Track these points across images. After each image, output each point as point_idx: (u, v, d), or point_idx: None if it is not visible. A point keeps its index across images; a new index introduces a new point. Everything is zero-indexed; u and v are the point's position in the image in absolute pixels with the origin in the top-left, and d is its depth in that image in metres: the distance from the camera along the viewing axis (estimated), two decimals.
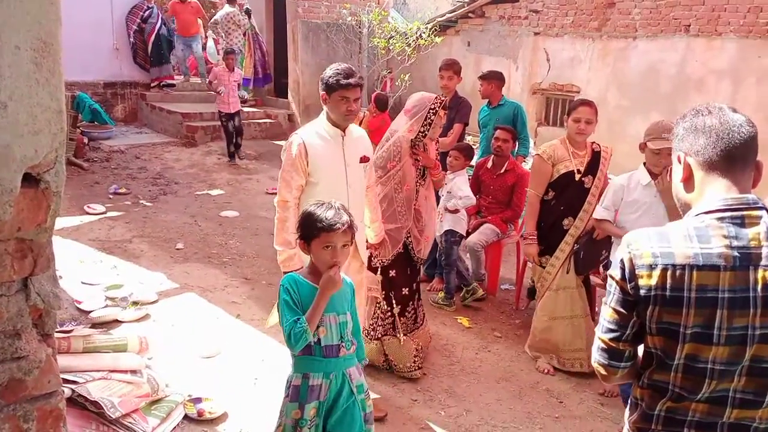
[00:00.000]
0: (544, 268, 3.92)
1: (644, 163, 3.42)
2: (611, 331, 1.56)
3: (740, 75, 7.36)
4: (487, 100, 5.66)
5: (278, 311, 2.31)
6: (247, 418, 3.33)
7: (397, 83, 10.18)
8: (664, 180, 3.25)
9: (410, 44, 9.97)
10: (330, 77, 2.92)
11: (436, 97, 3.67)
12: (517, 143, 5.25)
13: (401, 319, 3.78)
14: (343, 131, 3.05)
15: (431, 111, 3.60)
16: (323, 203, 2.33)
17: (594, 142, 3.90)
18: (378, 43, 10.07)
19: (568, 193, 3.81)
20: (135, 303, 4.55)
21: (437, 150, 4.00)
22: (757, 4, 7.09)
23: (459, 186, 4.71)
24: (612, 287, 1.56)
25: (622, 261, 1.52)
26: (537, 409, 3.51)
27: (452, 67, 5.22)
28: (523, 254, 4.50)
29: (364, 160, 3.18)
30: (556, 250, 3.86)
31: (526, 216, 3.97)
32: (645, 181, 3.36)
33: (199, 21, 11.25)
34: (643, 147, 3.34)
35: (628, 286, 1.50)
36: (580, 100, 3.87)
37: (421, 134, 3.64)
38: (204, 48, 12.10)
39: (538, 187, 3.88)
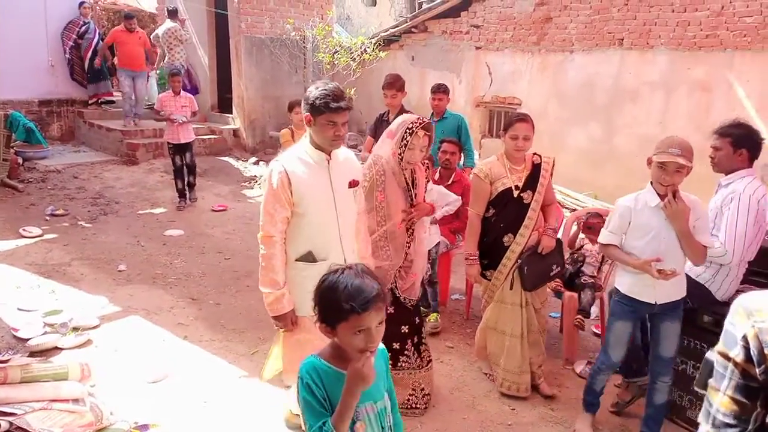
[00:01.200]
0: (489, 281, 3.81)
1: (651, 182, 3.08)
2: (728, 426, 1.27)
3: (671, 86, 7.71)
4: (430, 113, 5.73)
5: (299, 405, 1.82)
6: None
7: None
8: (672, 202, 2.94)
9: (355, 59, 10.02)
10: (317, 99, 2.65)
11: (417, 118, 3.44)
12: (462, 155, 5.32)
13: (401, 357, 3.54)
14: (329, 155, 2.80)
15: (407, 131, 3.34)
16: (340, 270, 1.80)
17: (535, 154, 3.74)
18: (323, 58, 10.08)
19: (508, 210, 3.66)
20: (75, 329, 4.38)
21: (428, 178, 3.71)
22: (684, 18, 7.46)
23: (440, 192, 4.68)
24: (728, 370, 1.26)
25: (744, 338, 1.22)
26: (490, 418, 3.54)
27: (394, 86, 5.26)
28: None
29: (353, 184, 2.90)
30: (499, 265, 3.73)
31: (467, 235, 3.83)
32: (653, 202, 3.01)
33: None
34: (649, 162, 3.08)
35: (757, 370, 1.21)
36: (516, 115, 3.68)
37: (398, 157, 3.37)
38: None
39: (478, 206, 3.73)
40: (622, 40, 8.05)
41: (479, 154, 9.78)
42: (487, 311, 3.87)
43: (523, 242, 3.65)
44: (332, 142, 2.73)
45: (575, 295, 4.28)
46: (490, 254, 3.76)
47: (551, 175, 3.75)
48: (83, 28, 10.68)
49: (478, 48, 9.69)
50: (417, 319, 3.64)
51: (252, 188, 9.21)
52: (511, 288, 3.70)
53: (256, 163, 10.29)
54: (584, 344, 4.53)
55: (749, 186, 3.19)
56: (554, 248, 3.72)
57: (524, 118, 3.61)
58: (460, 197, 4.75)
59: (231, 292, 5.34)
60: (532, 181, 3.67)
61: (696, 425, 3.24)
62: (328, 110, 2.64)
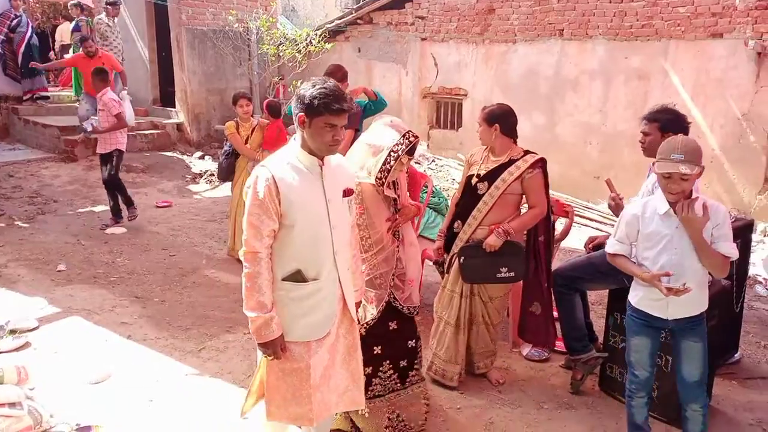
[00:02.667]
0: (440, 265, 3.82)
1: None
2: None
3: (610, 75, 7.93)
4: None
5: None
6: None
7: (290, 90, 10.09)
8: (685, 208, 2.64)
9: (301, 51, 9.93)
10: (315, 98, 2.33)
11: (403, 135, 2.96)
12: None
13: (374, 380, 3.19)
14: (321, 160, 2.48)
15: (392, 155, 2.92)
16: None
17: (528, 151, 3.55)
18: (267, 49, 9.94)
19: (465, 198, 3.65)
20: (13, 331, 4.21)
21: (409, 182, 3.49)
22: (621, 8, 7.68)
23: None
24: None
25: None
26: (440, 402, 3.58)
27: (335, 75, 5.15)
28: (425, 252, 4.52)
29: (348, 193, 2.59)
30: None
31: (447, 214, 3.88)
32: (662, 209, 2.72)
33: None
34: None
35: None
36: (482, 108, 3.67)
37: (378, 180, 2.97)
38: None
39: (459, 189, 3.76)
40: (562, 30, 8.23)
41: (428, 145, 9.87)
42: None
43: (468, 232, 3.56)
44: (330, 147, 2.42)
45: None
46: (447, 237, 3.77)
47: (544, 177, 3.52)
48: (15, 21, 10.19)
49: (423, 39, 9.73)
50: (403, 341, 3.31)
51: (197, 183, 9.02)
52: (447, 272, 3.67)
53: (202, 157, 10.08)
54: None
55: None
56: (508, 251, 3.48)
57: (482, 110, 3.66)
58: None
59: (177, 289, 5.22)
60: (494, 174, 3.50)
61: None
62: (328, 112, 2.34)
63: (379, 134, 3.02)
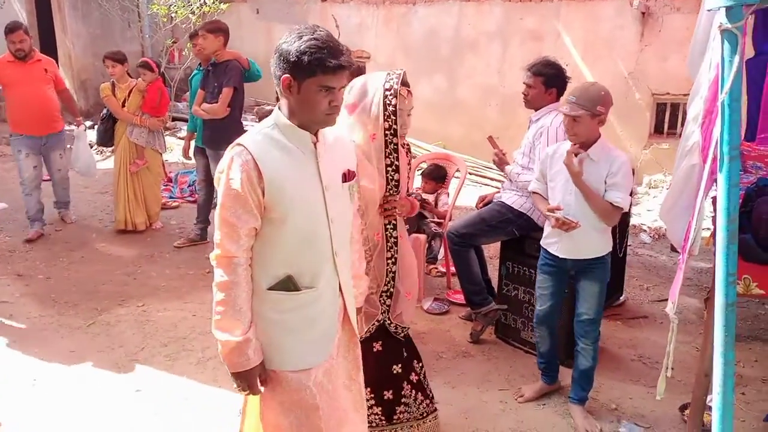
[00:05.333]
0: None
1: None
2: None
3: (507, 36, 8.07)
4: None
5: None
6: (26, 423, 2.97)
7: (185, 53, 9.61)
8: (568, 156, 2.75)
9: (194, 12, 9.44)
10: (304, 54, 1.76)
11: (387, 73, 2.50)
12: None
13: (398, 408, 2.70)
14: (315, 135, 1.92)
15: (389, 94, 2.43)
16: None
17: None
18: (158, 10, 9.38)
19: None
20: None
21: (410, 165, 2.81)
22: None
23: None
24: None
25: None
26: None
27: (205, 26, 4.85)
28: None
29: (349, 176, 2.05)
30: None
31: None
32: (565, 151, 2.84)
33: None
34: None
35: None
36: None
37: (389, 134, 2.45)
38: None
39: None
40: None
41: None
42: None
43: None
44: (327, 117, 1.86)
45: (420, 236, 4.42)
46: None
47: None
48: None
49: (323, 0, 9.51)
50: (409, 351, 2.78)
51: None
52: None
53: (92, 127, 9.46)
54: (431, 283, 4.71)
55: (555, 119, 3.40)
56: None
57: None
58: None
59: (63, 265, 4.90)
60: None
61: (530, 345, 3.50)
62: (323, 70, 1.77)
63: (358, 87, 2.52)
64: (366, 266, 2.42)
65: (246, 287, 1.87)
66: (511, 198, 3.61)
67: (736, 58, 1.66)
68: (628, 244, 4.56)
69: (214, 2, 9.42)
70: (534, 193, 3.06)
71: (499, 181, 7.54)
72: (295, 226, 1.88)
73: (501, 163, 3.64)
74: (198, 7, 9.41)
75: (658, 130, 7.41)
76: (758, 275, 2.65)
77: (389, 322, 2.65)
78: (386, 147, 2.46)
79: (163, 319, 4.06)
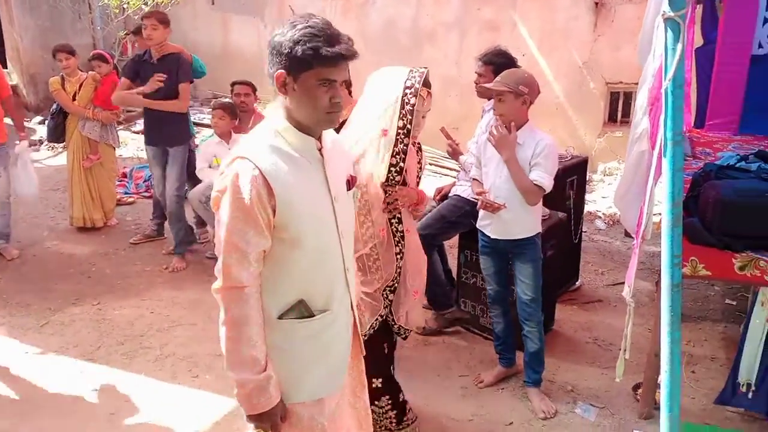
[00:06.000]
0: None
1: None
2: None
3: (464, 26, 8.12)
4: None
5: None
6: None
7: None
8: (496, 130, 2.88)
9: (147, 3, 9.21)
10: (297, 43, 1.58)
11: (410, 70, 2.41)
12: (256, 96, 4.99)
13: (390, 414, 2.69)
14: (319, 139, 1.75)
15: (408, 91, 2.35)
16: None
17: None
18: (110, 1, 9.13)
19: None
20: None
21: (420, 164, 2.69)
22: None
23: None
24: None
25: None
26: None
27: (154, 16, 4.58)
28: None
29: (352, 183, 1.90)
30: None
31: None
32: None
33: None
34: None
35: None
36: None
37: (401, 133, 2.35)
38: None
39: None
40: None
41: None
42: None
43: None
44: (328, 115, 1.66)
45: None
46: None
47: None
48: None
49: None
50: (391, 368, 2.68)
51: (38, 151, 8.23)
52: None
53: (42, 122, 9.17)
54: None
55: None
56: None
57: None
58: None
59: (14, 265, 4.76)
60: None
61: (488, 331, 3.55)
62: (320, 61, 1.58)
63: (377, 84, 2.42)
64: (373, 264, 2.42)
65: (259, 318, 1.67)
66: (466, 190, 3.64)
67: (679, 46, 1.70)
68: (584, 230, 4.66)
69: None
70: (474, 178, 3.17)
71: (458, 170, 7.60)
72: (307, 246, 1.69)
73: (455, 153, 3.67)
74: None
75: (612, 118, 7.57)
76: (705, 257, 2.73)
77: (392, 321, 2.55)
78: (395, 145, 2.36)
79: (120, 317, 3.98)
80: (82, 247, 5.10)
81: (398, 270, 2.50)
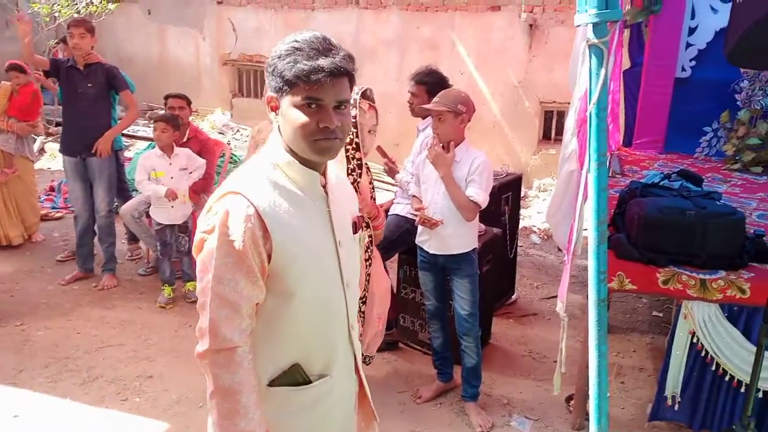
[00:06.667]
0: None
1: None
2: None
3: (404, 44, 8.23)
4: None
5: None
6: None
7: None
8: (433, 148, 2.94)
9: (80, 11, 8.93)
10: (277, 58, 1.40)
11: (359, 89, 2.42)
12: (191, 109, 4.89)
13: None
14: (323, 175, 1.52)
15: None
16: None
17: None
18: (39, 9, 8.80)
19: None
20: None
21: (372, 184, 2.69)
22: None
23: (189, 156, 4.39)
24: None
25: None
26: None
27: (82, 25, 4.37)
28: None
29: (358, 224, 1.65)
30: None
31: None
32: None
33: None
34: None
35: None
36: None
37: (350, 148, 2.34)
38: None
39: None
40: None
41: (231, 115, 9.52)
42: None
43: None
44: (315, 143, 1.40)
45: None
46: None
47: None
48: None
49: (219, 2, 9.29)
50: None
51: None
52: None
53: None
54: None
55: None
56: None
57: None
58: (205, 161, 4.52)
59: None
60: None
61: (427, 346, 3.57)
62: (303, 79, 1.36)
63: None
64: None
65: (254, 383, 1.40)
66: (404, 209, 3.66)
67: (602, 71, 1.78)
68: (519, 245, 4.78)
69: (101, 2, 8.97)
70: (413, 196, 3.22)
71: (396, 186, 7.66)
72: (306, 299, 1.43)
73: (391, 171, 3.71)
74: (84, 7, 8.92)
75: (546, 136, 7.82)
76: (631, 272, 2.84)
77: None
78: (348, 162, 2.32)
79: (44, 338, 3.80)
80: (3, 266, 4.85)
81: (367, 277, 2.50)
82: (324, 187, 1.51)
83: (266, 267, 1.37)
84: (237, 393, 1.37)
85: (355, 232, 1.61)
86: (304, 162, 1.45)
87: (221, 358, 1.36)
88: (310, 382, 1.49)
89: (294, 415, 1.49)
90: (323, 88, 1.36)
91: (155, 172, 4.30)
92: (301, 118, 1.38)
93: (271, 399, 1.46)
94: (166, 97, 4.74)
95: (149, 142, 4.96)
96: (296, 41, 1.39)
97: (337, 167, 2.05)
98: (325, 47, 1.40)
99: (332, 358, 1.53)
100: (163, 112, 4.93)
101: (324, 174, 1.51)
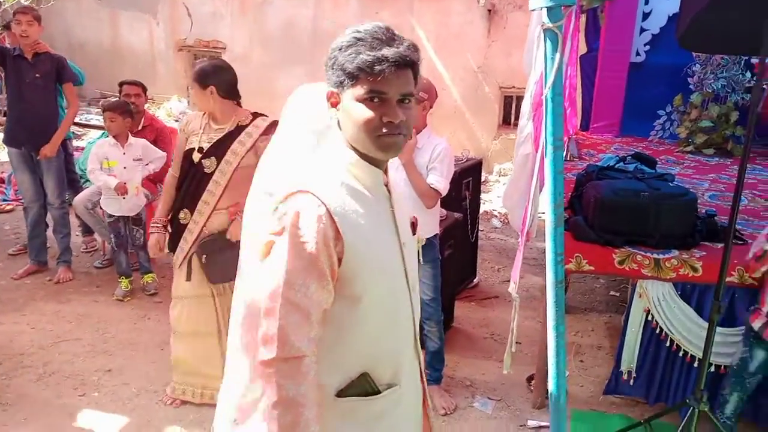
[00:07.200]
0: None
1: None
2: None
3: None
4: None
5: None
6: None
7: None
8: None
9: None
10: (337, 49, 1.34)
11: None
12: (146, 96, 4.79)
13: None
14: (385, 173, 1.46)
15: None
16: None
17: (257, 114, 3.01)
18: None
19: (189, 179, 2.98)
20: None
21: None
22: None
23: (145, 148, 4.27)
24: None
25: None
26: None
27: (30, 13, 4.21)
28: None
29: (415, 225, 1.58)
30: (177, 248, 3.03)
31: (161, 200, 3.20)
32: None
33: None
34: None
35: None
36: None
37: None
38: None
39: (174, 166, 3.08)
40: None
41: (188, 102, 9.32)
42: (171, 308, 3.12)
43: (201, 222, 2.92)
44: (378, 139, 1.33)
45: None
46: (172, 232, 3.09)
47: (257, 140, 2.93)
48: None
49: None
50: None
51: None
52: (188, 279, 2.98)
53: None
54: None
55: None
56: None
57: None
58: (165, 154, 4.41)
59: None
60: (221, 146, 2.91)
61: None
62: (366, 72, 1.29)
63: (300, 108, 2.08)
64: None
65: (317, 396, 1.32)
66: None
67: (557, 56, 1.80)
68: (480, 229, 4.82)
69: None
70: None
71: None
72: (373, 303, 1.37)
73: None
74: None
75: (506, 121, 7.90)
76: (588, 253, 2.90)
77: None
78: None
79: None
80: None
81: None
82: (386, 185, 1.45)
83: (336, 270, 1.31)
84: (301, 405, 1.27)
85: (413, 232, 1.55)
86: (368, 159, 1.38)
87: (288, 368, 1.27)
88: (378, 392, 1.41)
89: (361, 427, 1.42)
90: (387, 80, 1.29)
91: (107, 161, 4.18)
92: (365, 112, 1.31)
93: (337, 410, 1.38)
94: (121, 84, 4.61)
95: (102, 131, 4.82)
96: (357, 32, 1.32)
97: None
98: (388, 37, 1.32)
99: (400, 366, 1.46)
100: (116, 99, 4.80)
101: (386, 172, 1.45)
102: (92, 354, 3.53)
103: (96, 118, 8.43)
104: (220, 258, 2.90)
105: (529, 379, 3.32)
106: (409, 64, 1.32)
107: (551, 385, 1.91)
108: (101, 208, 4.39)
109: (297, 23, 8.50)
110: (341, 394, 1.38)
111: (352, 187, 1.35)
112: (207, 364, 3.03)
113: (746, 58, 5.06)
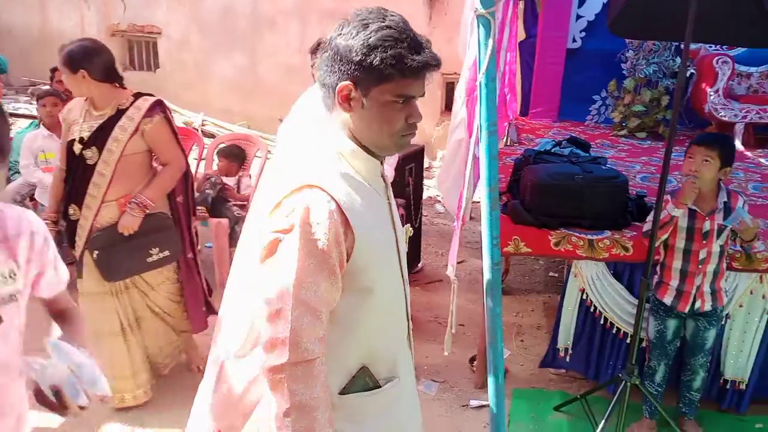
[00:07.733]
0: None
1: None
2: None
3: (304, 14, 8.07)
4: None
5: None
6: None
7: None
8: None
9: None
10: (374, 48, 1.26)
11: None
12: None
13: None
14: (381, 164, 1.45)
15: None
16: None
17: (139, 94, 2.77)
18: None
19: (73, 172, 2.78)
20: None
21: None
22: None
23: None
24: None
25: None
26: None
27: None
28: None
29: (403, 215, 1.60)
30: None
31: (48, 195, 3.01)
32: None
33: None
34: None
35: None
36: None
37: None
38: None
39: (61, 158, 2.85)
40: None
41: None
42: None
43: (90, 216, 2.73)
44: (402, 138, 1.35)
45: (224, 220, 4.29)
46: (67, 228, 2.89)
47: (168, 123, 2.81)
48: None
49: None
50: None
51: None
52: (80, 276, 2.80)
53: None
54: None
55: None
56: (154, 226, 2.81)
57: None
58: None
59: None
60: (102, 134, 2.68)
61: None
62: (403, 72, 1.27)
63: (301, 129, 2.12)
64: None
65: (329, 399, 1.28)
66: None
67: (490, 42, 1.83)
68: (424, 214, 4.88)
69: None
70: None
71: None
72: (380, 296, 1.35)
73: None
74: None
75: (448, 107, 7.95)
76: (526, 236, 2.98)
77: None
78: None
79: None
80: None
81: None
82: (382, 176, 1.44)
83: (345, 265, 1.27)
84: (314, 409, 1.23)
85: (403, 223, 1.52)
86: (371, 152, 1.36)
87: (300, 372, 1.22)
88: (379, 385, 1.40)
89: (367, 425, 1.39)
90: (418, 84, 1.31)
91: (44, 154, 4.00)
92: (393, 114, 1.30)
93: (344, 409, 1.34)
94: (53, 70, 4.41)
95: (32, 121, 4.61)
96: (389, 27, 1.27)
97: None
98: (418, 37, 1.32)
99: (397, 359, 1.46)
100: (47, 87, 4.61)
101: (381, 163, 1.43)
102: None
103: (24, 106, 8.06)
104: (114, 253, 2.76)
105: (472, 360, 3.40)
106: (440, 67, 1.35)
107: (490, 364, 1.96)
108: (33, 200, 4.22)
109: (235, 7, 8.31)
110: (344, 391, 1.36)
111: (353, 178, 1.33)
112: (113, 366, 2.82)
113: (676, 43, 5.25)
